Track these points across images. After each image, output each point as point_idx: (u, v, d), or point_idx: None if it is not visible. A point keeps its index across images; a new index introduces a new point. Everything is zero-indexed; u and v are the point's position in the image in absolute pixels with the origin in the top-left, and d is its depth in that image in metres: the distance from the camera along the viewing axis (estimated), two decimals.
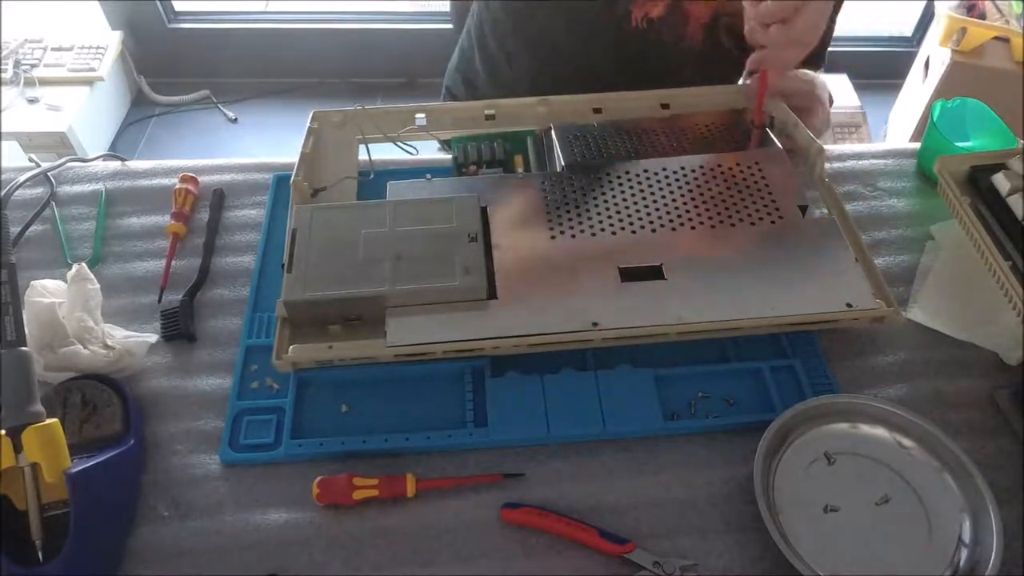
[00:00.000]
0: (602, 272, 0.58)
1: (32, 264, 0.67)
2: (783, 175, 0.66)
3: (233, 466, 0.55)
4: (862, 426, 0.55)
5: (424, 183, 0.66)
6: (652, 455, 0.55)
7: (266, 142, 2.03)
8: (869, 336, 0.62)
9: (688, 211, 0.63)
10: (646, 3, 0.77)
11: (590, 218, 0.62)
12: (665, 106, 0.74)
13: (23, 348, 0.51)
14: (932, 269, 0.67)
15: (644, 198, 0.64)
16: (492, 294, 0.57)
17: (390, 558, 0.50)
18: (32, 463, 0.47)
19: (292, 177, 0.65)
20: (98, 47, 1.93)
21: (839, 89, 1.95)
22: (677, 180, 0.65)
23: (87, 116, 1.86)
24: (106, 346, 0.57)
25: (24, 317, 0.53)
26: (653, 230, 0.61)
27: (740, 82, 0.81)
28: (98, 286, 0.60)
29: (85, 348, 0.57)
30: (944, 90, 1.64)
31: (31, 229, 0.70)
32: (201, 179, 0.74)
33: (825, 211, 0.66)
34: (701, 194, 0.64)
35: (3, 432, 0.47)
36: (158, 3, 2.04)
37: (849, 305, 0.56)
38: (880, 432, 0.55)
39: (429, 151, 0.75)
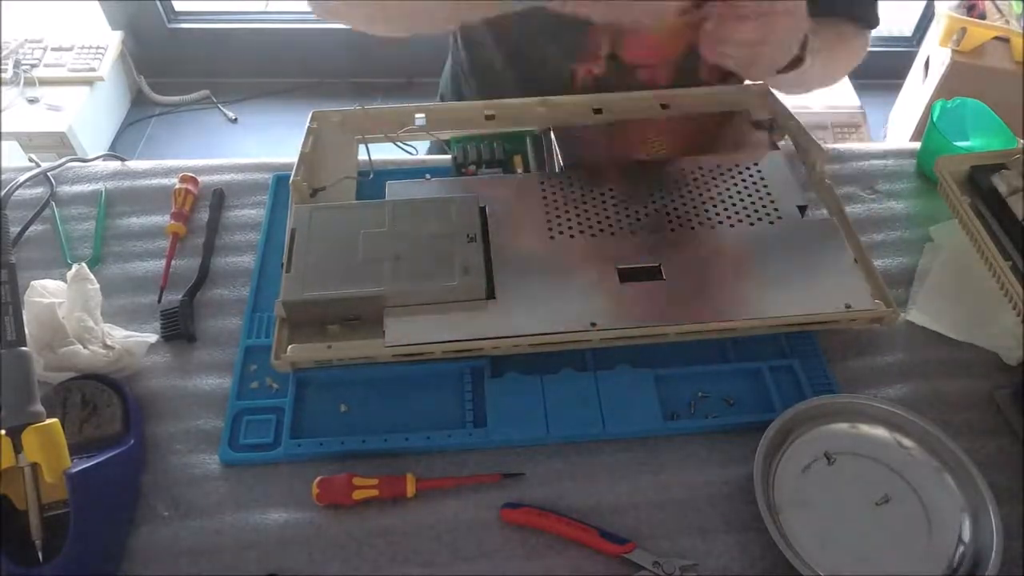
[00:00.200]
0: (601, 272, 0.58)
1: (32, 264, 0.67)
2: (782, 175, 0.66)
3: (233, 466, 0.55)
4: (862, 426, 0.55)
5: (423, 183, 0.67)
6: (652, 455, 0.55)
7: (266, 142, 2.03)
8: (869, 336, 0.62)
9: (687, 211, 0.63)
10: (583, 65, 0.75)
11: (589, 218, 0.62)
12: (665, 106, 0.74)
13: (23, 348, 0.51)
14: (931, 270, 0.67)
15: (642, 198, 0.64)
16: (491, 294, 0.57)
17: (390, 558, 0.50)
18: (32, 463, 0.47)
19: (291, 177, 0.65)
20: (98, 47, 1.93)
21: (839, 89, 1.95)
22: (676, 181, 0.65)
23: (87, 116, 1.86)
24: (106, 346, 0.57)
25: (24, 317, 0.53)
26: (652, 230, 0.61)
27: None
28: (98, 286, 0.60)
29: (85, 348, 0.57)
30: (944, 90, 1.64)
31: (31, 229, 0.70)
32: (201, 179, 0.74)
33: (824, 212, 0.66)
34: (700, 194, 0.64)
35: (3, 432, 0.47)
36: (158, 3, 2.04)
37: (848, 306, 0.56)
38: (880, 432, 0.55)
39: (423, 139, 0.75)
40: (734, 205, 0.63)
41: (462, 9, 0.63)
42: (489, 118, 0.73)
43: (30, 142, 1.77)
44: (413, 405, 0.57)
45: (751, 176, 0.66)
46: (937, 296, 0.65)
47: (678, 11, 0.57)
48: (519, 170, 0.71)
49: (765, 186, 0.65)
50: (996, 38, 1.62)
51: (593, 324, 0.55)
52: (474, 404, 0.57)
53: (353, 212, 0.62)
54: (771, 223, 0.62)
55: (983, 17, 1.65)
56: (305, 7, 0.68)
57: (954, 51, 1.62)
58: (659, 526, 0.52)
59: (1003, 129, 0.75)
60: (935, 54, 1.70)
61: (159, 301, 0.64)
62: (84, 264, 0.60)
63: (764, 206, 0.63)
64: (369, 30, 0.67)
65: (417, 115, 0.73)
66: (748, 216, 0.63)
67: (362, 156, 0.72)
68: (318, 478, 0.52)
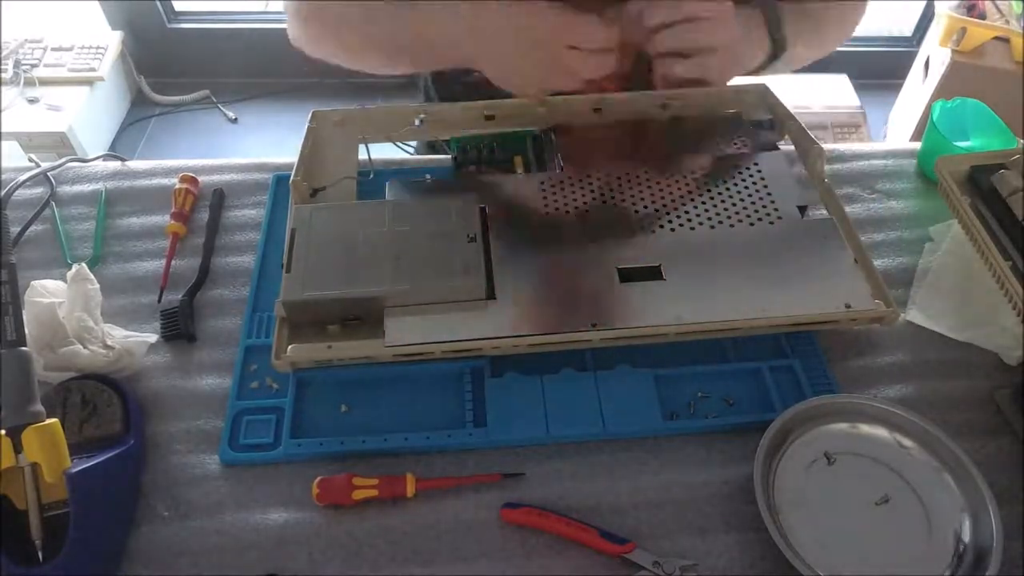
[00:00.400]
0: (601, 272, 0.58)
1: (32, 264, 0.67)
2: (782, 176, 0.66)
3: (233, 466, 0.55)
4: (862, 426, 0.55)
5: (423, 183, 0.66)
6: (652, 455, 0.55)
7: (266, 142, 2.03)
8: (869, 336, 0.62)
9: (687, 212, 0.63)
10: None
11: (588, 219, 0.62)
12: (664, 107, 0.74)
13: (23, 348, 0.51)
14: (931, 270, 0.67)
15: (643, 199, 0.64)
16: (491, 294, 0.57)
17: (390, 558, 0.50)
18: (32, 463, 0.47)
19: (291, 177, 0.64)
20: (98, 47, 1.93)
21: (839, 89, 1.95)
22: (676, 181, 0.65)
23: (87, 116, 1.86)
24: (106, 346, 0.57)
25: (24, 317, 0.53)
26: (652, 231, 0.61)
27: None
28: (98, 286, 0.60)
29: (85, 348, 0.57)
30: (944, 90, 1.64)
31: (31, 229, 0.70)
32: (201, 179, 0.74)
33: (824, 211, 0.66)
34: (700, 194, 0.64)
35: (3, 432, 0.47)
36: (158, 3, 2.04)
37: (848, 306, 0.56)
38: (880, 432, 0.55)
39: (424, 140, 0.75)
40: (734, 205, 0.63)
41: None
42: (489, 118, 0.73)
43: (30, 142, 1.77)
44: (413, 405, 0.57)
45: (751, 176, 0.66)
46: (937, 296, 0.65)
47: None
48: (519, 170, 0.70)
49: (765, 186, 0.65)
50: (996, 38, 1.62)
51: (593, 324, 0.55)
52: (474, 404, 0.57)
53: (353, 212, 0.62)
54: (771, 223, 0.62)
55: (983, 17, 1.65)
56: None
57: (954, 51, 1.62)
58: (659, 526, 0.52)
59: (1003, 129, 0.75)
60: (935, 54, 1.70)
61: (159, 301, 0.64)
62: (84, 264, 0.60)
63: (764, 206, 0.63)
64: (356, 64, 0.69)
65: (417, 115, 0.73)
66: (748, 216, 0.63)
67: (362, 155, 0.72)
68: (318, 478, 0.52)
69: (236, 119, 2.12)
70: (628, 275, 0.58)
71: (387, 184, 0.66)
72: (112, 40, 1.96)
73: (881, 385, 0.60)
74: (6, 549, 0.46)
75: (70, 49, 1.92)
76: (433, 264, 0.57)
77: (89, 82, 1.89)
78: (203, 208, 0.72)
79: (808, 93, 1.90)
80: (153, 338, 0.60)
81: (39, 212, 0.71)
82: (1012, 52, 1.61)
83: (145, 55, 2.10)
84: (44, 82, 1.86)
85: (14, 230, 0.69)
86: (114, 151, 1.70)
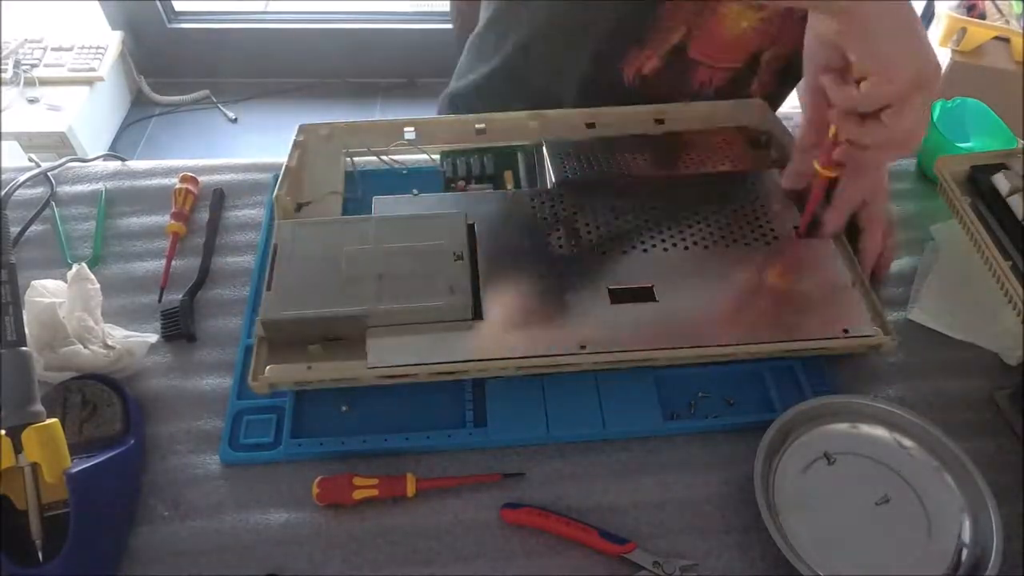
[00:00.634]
0: (591, 293, 0.57)
1: (32, 264, 0.67)
2: (778, 194, 0.65)
3: (233, 466, 0.55)
4: (862, 426, 0.55)
5: (410, 198, 0.65)
6: (652, 455, 0.55)
7: (266, 142, 2.03)
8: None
9: (681, 231, 0.62)
10: (639, 56, 0.72)
11: (580, 237, 0.61)
12: (659, 121, 0.73)
13: (23, 348, 0.51)
14: (932, 269, 0.67)
15: (635, 217, 0.63)
16: (477, 315, 0.56)
17: (390, 558, 0.50)
18: (32, 463, 0.47)
19: (275, 191, 0.63)
20: (98, 47, 1.93)
21: None
22: (670, 199, 0.64)
23: (87, 116, 1.86)
24: (106, 346, 0.57)
25: (24, 317, 0.53)
26: (645, 250, 0.60)
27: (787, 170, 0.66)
28: (98, 286, 0.60)
29: (85, 348, 0.57)
30: (944, 90, 1.64)
31: (31, 229, 0.70)
32: (201, 179, 0.74)
33: None
34: (694, 214, 0.63)
35: (3, 432, 0.47)
36: (158, 3, 2.04)
37: (846, 331, 0.56)
38: (880, 432, 0.55)
39: (411, 155, 0.74)
40: (729, 225, 0.62)
41: None
42: (480, 132, 0.72)
43: (30, 142, 1.77)
44: (413, 405, 0.57)
45: (747, 195, 0.65)
46: (938, 295, 0.65)
47: None
48: (509, 186, 0.69)
49: (761, 205, 0.64)
50: (996, 38, 1.62)
51: (583, 347, 0.54)
52: (474, 404, 0.57)
53: (337, 228, 0.60)
54: (767, 243, 0.61)
55: (983, 17, 1.65)
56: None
57: (954, 51, 1.62)
58: (659, 526, 0.52)
59: (1003, 129, 0.75)
60: None
61: (159, 301, 0.64)
62: (84, 264, 0.60)
63: (760, 226, 0.62)
64: None
65: (406, 129, 0.72)
66: (744, 236, 0.61)
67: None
68: (318, 478, 0.52)
69: (236, 119, 2.12)
70: (619, 296, 0.57)
71: (374, 199, 0.64)
72: (112, 40, 1.96)
73: (881, 385, 0.60)
74: (6, 549, 0.46)
75: (70, 49, 1.92)
76: (418, 283, 0.56)
77: (89, 82, 1.89)
78: (203, 208, 0.72)
79: None
80: (153, 338, 0.60)
81: (39, 212, 0.71)
82: (1012, 52, 1.61)
83: (145, 55, 2.10)
84: (44, 82, 1.85)
85: (14, 230, 0.69)
86: (114, 151, 1.70)
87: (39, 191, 0.73)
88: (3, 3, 1.91)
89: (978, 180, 0.65)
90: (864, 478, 0.52)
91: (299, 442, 0.55)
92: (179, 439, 0.56)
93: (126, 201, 0.73)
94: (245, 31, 2.12)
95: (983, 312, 0.63)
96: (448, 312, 0.55)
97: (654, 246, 0.61)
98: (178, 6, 2.10)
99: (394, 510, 0.52)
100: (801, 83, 0.58)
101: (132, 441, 0.53)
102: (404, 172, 0.72)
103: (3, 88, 1.81)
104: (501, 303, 0.56)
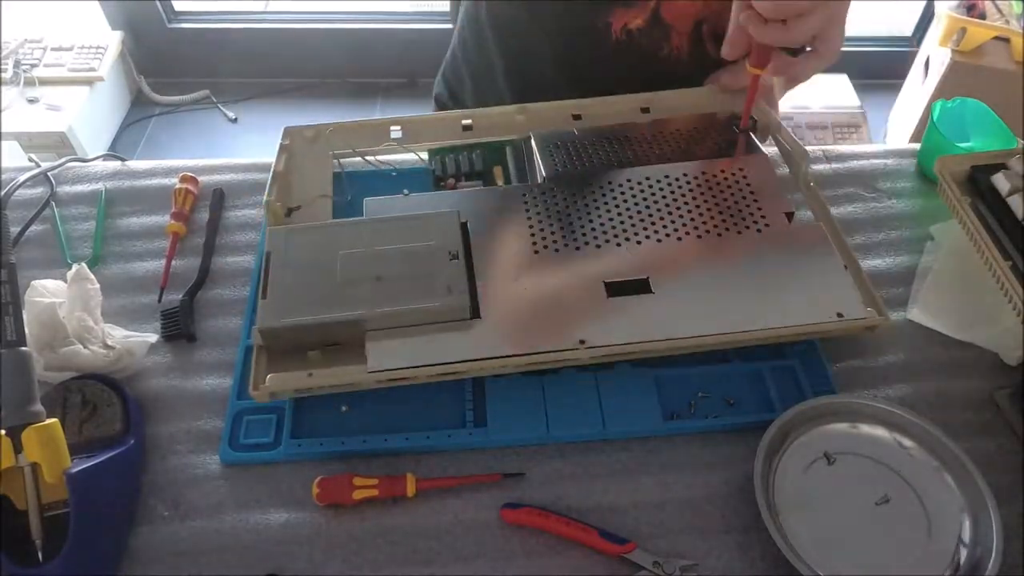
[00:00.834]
0: (588, 287, 0.57)
1: (32, 264, 0.67)
2: (768, 181, 0.65)
3: (233, 466, 0.55)
4: (862, 426, 0.55)
5: (401, 199, 0.64)
6: (652, 455, 0.55)
7: (266, 142, 2.02)
8: (869, 336, 0.62)
9: (673, 221, 0.62)
10: (626, 14, 0.74)
11: (573, 231, 0.61)
12: (645, 110, 0.73)
13: (23, 348, 0.51)
14: (932, 269, 0.67)
15: (628, 209, 0.63)
16: (475, 313, 0.55)
17: (390, 558, 0.50)
18: (32, 463, 0.47)
19: (264, 197, 0.63)
20: (98, 47, 1.93)
21: (839, 89, 1.95)
22: (661, 189, 0.64)
23: (87, 116, 1.87)
24: (106, 346, 0.57)
25: (24, 317, 0.53)
26: (638, 242, 0.60)
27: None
28: (98, 286, 0.60)
29: (85, 348, 0.57)
30: (944, 90, 1.64)
31: (31, 229, 0.70)
32: (201, 179, 0.74)
33: (811, 215, 0.66)
34: (686, 203, 0.63)
35: (3, 432, 0.47)
36: (158, 3, 2.04)
37: (840, 315, 0.56)
38: (880, 432, 0.55)
39: (400, 156, 0.74)
40: (720, 213, 0.62)
41: None
42: (466, 128, 0.72)
43: (30, 142, 1.77)
44: (413, 405, 0.57)
45: (737, 182, 0.65)
46: (938, 295, 0.65)
47: None
48: (500, 181, 0.69)
49: (752, 192, 0.64)
50: (996, 38, 1.62)
51: (582, 342, 0.54)
52: (474, 404, 0.57)
53: (330, 232, 0.59)
54: (759, 231, 0.61)
55: (983, 17, 1.65)
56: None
57: (954, 51, 1.62)
58: (659, 526, 0.52)
59: (1003, 129, 0.75)
60: (935, 54, 1.70)
61: (159, 301, 0.64)
62: (84, 264, 0.60)
63: (751, 213, 0.62)
64: None
65: (392, 128, 0.72)
66: (736, 224, 0.61)
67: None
68: (318, 478, 0.52)
69: (236, 119, 2.12)
70: (615, 289, 0.57)
71: (364, 201, 0.64)
72: (112, 40, 1.96)
73: (881, 385, 0.60)
74: (6, 549, 0.46)
75: (70, 49, 1.92)
76: (414, 284, 0.55)
77: (89, 82, 1.89)
78: (203, 208, 0.72)
79: (808, 93, 1.91)
80: (153, 338, 0.60)
81: (39, 212, 0.71)
82: (1012, 52, 1.61)
83: (145, 55, 2.11)
84: (44, 82, 1.86)
85: (14, 230, 0.69)
86: (114, 151, 1.71)
87: (39, 191, 0.73)
88: (3, 3, 1.91)
89: (978, 180, 0.65)
90: (864, 478, 0.52)
91: (299, 442, 0.55)
92: (179, 439, 0.56)
93: (126, 201, 0.73)
94: (245, 31, 2.12)
95: (983, 312, 0.63)
96: (446, 312, 0.55)
97: (647, 238, 0.61)
98: (178, 6, 2.10)
99: (394, 510, 0.52)
100: None
101: (132, 441, 0.54)
102: (393, 173, 0.72)
103: (3, 88, 1.81)
104: (498, 301, 0.56)
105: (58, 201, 0.73)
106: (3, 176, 0.73)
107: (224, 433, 0.55)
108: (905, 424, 0.54)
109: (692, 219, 0.62)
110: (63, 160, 0.75)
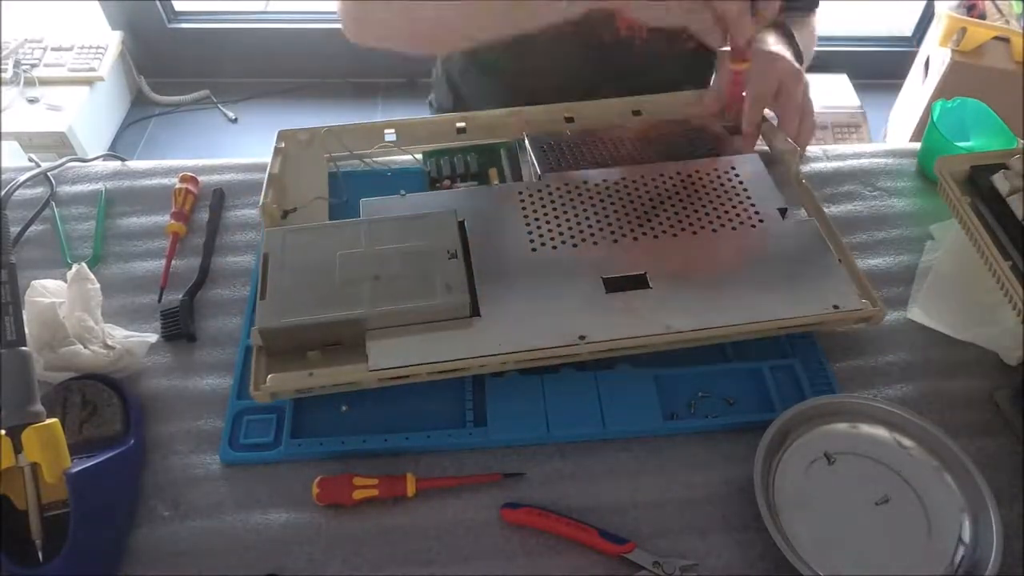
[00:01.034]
0: (586, 283, 0.57)
1: (32, 264, 0.67)
2: (761, 178, 0.65)
3: (233, 466, 0.55)
4: (862, 426, 0.55)
5: (398, 199, 0.64)
6: (652, 455, 0.55)
7: (266, 142, 2.02)
8: (869, 336, 0.62)
9: (669, 218, 0.62)
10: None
11: (570, 228, 0.61)
12: (637, 113, 0.74)
13: (23, 348, 0.51)
14: (932, 269, 0.67)
15: (624, 206, 0.63)
16: (475, 311, 0.55)
17: (390, 558, 0.50)
18: (32, 463, 0.47)
19: (260, 200, 0.63)
20: (98, 47, 1.93)
21: (839, 89, 1.95)
22: (656, 187, 0.65)
23: (87, 116, 1.86)
24: (106, 346, 0.57)
25: (24, 317, 0.53)
26: (635, 238, 0.61)
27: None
28: (98, 286, 0.60)
29: (85, 348, 0.57)
30: (944, 90, 1.64)
31: (31, 229, 0.70)
32: (201, 179, 0.74)
33: (804, 212, 0.66)
34: (680, 200, 0.63)
35: (3, 432, 0.47)
36: (158, 3, 2.04)
37: (835, 307, 0.56)
38: (880, 432, 0.55)
39: (395, 156, 0.74)
40: (715, 209, 0.63)
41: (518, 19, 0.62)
42: (461, 131, 0.73)
43: (30, 142, 1.77)
44: (413, 405, 0.57)
45: (730, 180, 0.65)
46: (938, 295, 0.65)
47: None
48: (495, 182, 0.69)
49: (745, 189, 0.64)
50: (996, 38, 1.62)
51: (582, 337, 0.54)
52: (474, 404, 0.57)
53: (328, 233, 0.59)
54: (753, 226, 0.61)
55: (983, 17, 1.65)
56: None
57: (954, 51, 1.62)
58: (659, 526, 0.52)
59: (1003, 129, 0.75)
60: (935, 54, 1.70)
61: (159, 301, 0.64)
62: (84, 264, 0.60)
63: (745, 209, 0.63)
64: (413, 48, 0.68)
65: (387, 130, 0.72)
66: (730, 220, 0.62)
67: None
68: (318, 478, 0.52)
69: (236, 119, 2.12)
70: (613, 285, 0.57)
71: (361, 202, 0.64)
72: (112, 40, 1.96)
73: (881, 385, 0.60)
74: (6, 549, 0.46)
75: (70, 49, 1.92)
76: (414, 283, 0.56)
77: (89, 82, 1.89)
78: (203, 208, 0.72)
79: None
80: (153, 338, 0.60)
81: (39, 212, 0.71)
82: (1012, 52, 1.61)
83: (145, 55, 2.10)
84: (44, 82, 1.85)
85: (14, 230, 0.69)
86: (114, 151, 1.71)
87: (39, 191, 0.73)
88: (3, 3, 1.91)
89: (978, 180, 0.65)
90: (864, 478, 0.52)
91: (299, 442, 0.55)
92: (179, 439, 0.56)
93: (126, 201, 0.73)
94: (245, 31, 2.12)
95: (983, 312, 0.63)
96: (446, 310, 0.55)
97: (644, 234, 0.61)
98: (178, 6, 2.10)
99: (394, 510, 0.52)
100: None
101: (132, 441, 0.54)
102: (388, 174, 0.72)
103: (3, 88, 1.81)
104: (497, 298, 0.57)
105: (58, 201, 0.73)
106: (3, 176, 0.73)
107: (224, 433, 0.55)
108: (905, 424, 0.54)
109: (688, 216, 0.62)
110: (63, 160, 0.75)
